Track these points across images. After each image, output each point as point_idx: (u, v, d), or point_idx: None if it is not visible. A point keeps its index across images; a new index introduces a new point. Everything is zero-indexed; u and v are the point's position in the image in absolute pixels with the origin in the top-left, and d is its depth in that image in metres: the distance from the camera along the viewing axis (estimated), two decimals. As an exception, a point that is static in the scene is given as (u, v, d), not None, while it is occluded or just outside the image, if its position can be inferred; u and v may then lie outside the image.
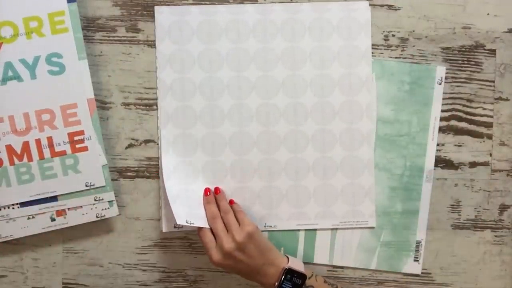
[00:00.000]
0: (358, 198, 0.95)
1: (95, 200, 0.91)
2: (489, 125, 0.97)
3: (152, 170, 0.94)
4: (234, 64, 0.93)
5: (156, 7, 0.92)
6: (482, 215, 0.97)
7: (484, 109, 0.96)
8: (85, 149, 0.90)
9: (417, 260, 0.97)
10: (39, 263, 0.94)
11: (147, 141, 0.94)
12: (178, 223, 0.87)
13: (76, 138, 0.90)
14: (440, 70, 0.95)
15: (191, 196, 0.91)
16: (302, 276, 0.86)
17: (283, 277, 0.86)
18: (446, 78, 0.95)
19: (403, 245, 0.97)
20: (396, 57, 0.95)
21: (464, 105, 0.96)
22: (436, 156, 0.96)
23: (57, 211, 0.91)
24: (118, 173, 0.94)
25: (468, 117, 0.96)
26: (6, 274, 0.94)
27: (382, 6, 0.94)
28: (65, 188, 0.90)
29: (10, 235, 0.90)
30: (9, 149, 0.89)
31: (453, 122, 0.96)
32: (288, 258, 0.88)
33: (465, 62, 0.96)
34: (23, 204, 0.90)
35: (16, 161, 0.89)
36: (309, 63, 0.93)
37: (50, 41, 0.88)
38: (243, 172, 0.94)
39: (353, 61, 0.94)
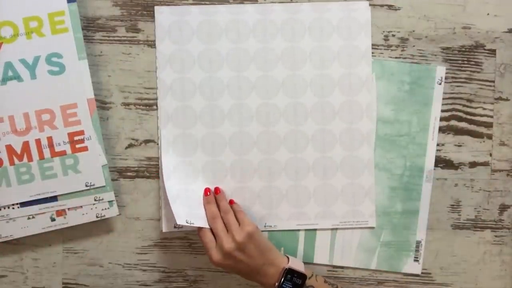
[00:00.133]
0: (358, 198, 0.95)
1: (95, 200, 0.91)
2: (489, 125, 0.97)
3: (152, 170, 0.94)
4: (234, 64, 0.93)
5: (156, 7, 0.92)
6: (482, 215, 0.97)
7: (484, 109, 0.96)
8: (85, 149, 0.90)
9: (417, 260, 0.97)
10: (39, 263, 0.94)
11: (147, 141, 0.94)
12: (178, 223, 0.87)
13: (76, 138, 0.90)
14: (440, 70, 0.95)
15: (191, 196, 0.91)
16: (302, 276, 0.86)
17: (283, 277, 0.86)
18: (446, 78, 0.95)
19: (403, 245, 0.96)
20: (396, 57, 0.95)
21: (464, 105, 0.96)
22: (436, 156, 0.96)
23: (57, 211, 0.91)
24: (118, 173, 0.94)
25: (468, 117, 0.96)
26: (6, 274, 0.94)
27: (382, 6, 0.94)
28: (65, 188, 0.90)
29: (10, 235, 0.90)
30: (9, 149, 0.89)
31: (453, 122, 0.96)
32: (288, 258, 0.88)
33: (465, 62, 0.96)
34: (23, 204, 0.90)
35: (16, 161, 0.89)
36: (309, 63, 0.93)
37: (50, 41, 0.88)
38: (243, 172, 0.94)
39: (353, 61, 0.94)
